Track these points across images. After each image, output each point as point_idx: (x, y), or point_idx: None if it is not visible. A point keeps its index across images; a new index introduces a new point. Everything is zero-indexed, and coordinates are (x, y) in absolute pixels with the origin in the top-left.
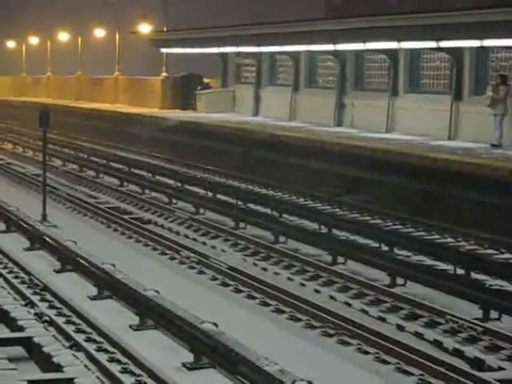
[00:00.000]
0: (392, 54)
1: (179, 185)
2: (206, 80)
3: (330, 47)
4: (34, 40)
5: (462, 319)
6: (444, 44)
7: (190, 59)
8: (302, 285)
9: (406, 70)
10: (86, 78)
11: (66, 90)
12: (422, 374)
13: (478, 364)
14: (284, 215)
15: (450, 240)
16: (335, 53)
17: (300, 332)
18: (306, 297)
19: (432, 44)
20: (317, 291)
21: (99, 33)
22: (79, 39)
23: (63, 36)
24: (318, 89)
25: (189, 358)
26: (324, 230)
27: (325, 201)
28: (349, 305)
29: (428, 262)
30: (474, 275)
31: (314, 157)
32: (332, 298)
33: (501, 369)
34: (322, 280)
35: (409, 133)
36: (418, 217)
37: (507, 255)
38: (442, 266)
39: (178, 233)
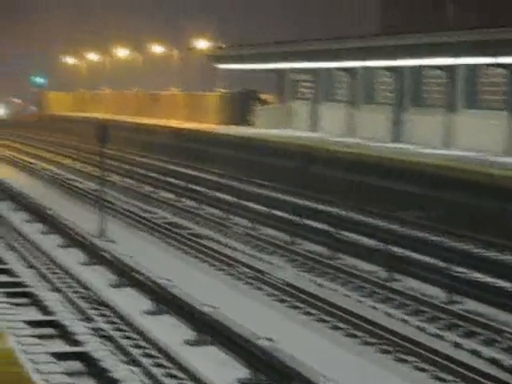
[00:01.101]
0: (449, 70)
1: (236, 200)
2: (262, 96)
3: (387, 63)
4: (93, 56)
5: None
6: (501, 60)
7: (247, 75)
8: (359, 301)
9: (463, 85)
10: (144, 94)
11: (124, 106)
12: None
13: None
14: (341, 231)
15: (509, 257)
16: (392, 69)
17: (356, 349)
18: (362, 313)
19: (489, 60)
20: (373, 308)
21: (157, 49)
22: (138, 55)
23: (122, 52)
24: (375, 104)
25: (245, 374)
26: (381, 245)
27: (381, 216)
28: (405, 322)
29: (486, 279)
30: None
31: (369, 172)
32: (388, 314)
33: None
34: (378, 296)
35: (466, 148)
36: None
37: None
38: (500, 283)
39: (234, 248)
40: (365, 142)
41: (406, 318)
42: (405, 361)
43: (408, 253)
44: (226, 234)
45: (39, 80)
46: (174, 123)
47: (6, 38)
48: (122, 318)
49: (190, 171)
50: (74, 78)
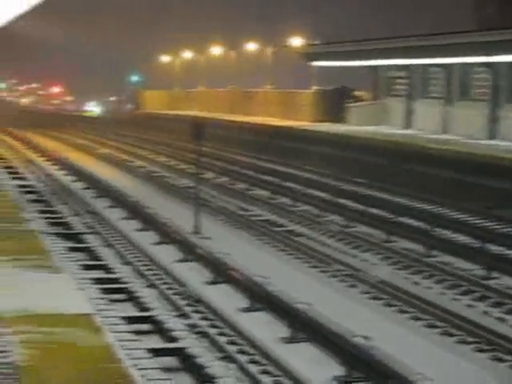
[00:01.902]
0: None
1: (330, 197)
2: (356, 93)
3: (483, 59)
4: (187, 54)
5: None
6: None
7: (340, 72)
8: (455, 299)
9: None
10: (238, 92)
11: (218, 104)
12: None
13: None
14: (436, 228)
15: None
16: (489, 65)
17: (453, 347)
18: (458, 311)
19: None
20: (470, 306)
21: (251, 46)
22: (231, 53)
23: (215, 50)
24: (471, 101)
25: (340, 371)
26: (477, 243)
27: (478, 214)
28: (502, 320)
29: None
30: None
31: (465, 170)
32: (485, 313)
33: None
34: (475, 295)
35: None
36: None
37: None
38: None
39: (329, 246)
40: (460, 139)
41: (504, 316)
42: (502, 359)
43: (506, 251)
44: (321, 231)
45: (135, 78)
46: (268, 121)
47: (103, 36)
48: (217, 314)
49: (284, 168)
50: (169, 77)
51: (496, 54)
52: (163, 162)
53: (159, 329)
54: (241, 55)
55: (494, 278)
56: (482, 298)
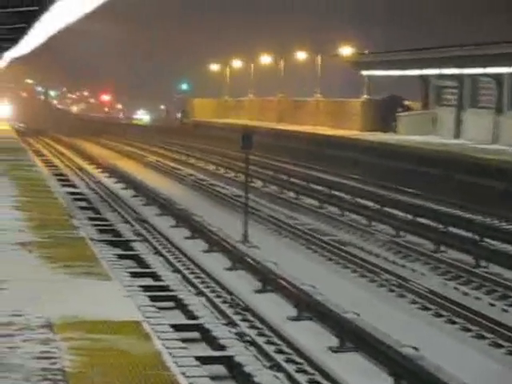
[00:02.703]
0: None
1: (379, 207)
2: (406, 102)
3: None
4: (237, 63)
5: None
6: None
7: (390, 81)
8: (504, 310)
9: None
10: (287, 101)
11: (267, 113)
12: None
13: None
14: (486, 239)
15: None
16: None
17: (502, 359)
18: (507, 323)
19: None
20: None
21: (301, 55)
22: (281, 62)
23: (265, 59)
24: None
25: (387, 381)
26: None
27: None
28: None
29: None
30: None
31: None
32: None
33: None
34: None
35: None
36: None
37: None
38: None
39: (377, 255)
40: (510, 149)
41: None
42: None
43: None
44: (369, 240)
45: (184, 86)
46: (317, 129)
47: (153, 44)
48: (265, 323)
49: (332, 177)
50: (218, 85)
51: None
52: (212, 171)
53: (207, 337)
54: (290, 64)
55: None
56: None
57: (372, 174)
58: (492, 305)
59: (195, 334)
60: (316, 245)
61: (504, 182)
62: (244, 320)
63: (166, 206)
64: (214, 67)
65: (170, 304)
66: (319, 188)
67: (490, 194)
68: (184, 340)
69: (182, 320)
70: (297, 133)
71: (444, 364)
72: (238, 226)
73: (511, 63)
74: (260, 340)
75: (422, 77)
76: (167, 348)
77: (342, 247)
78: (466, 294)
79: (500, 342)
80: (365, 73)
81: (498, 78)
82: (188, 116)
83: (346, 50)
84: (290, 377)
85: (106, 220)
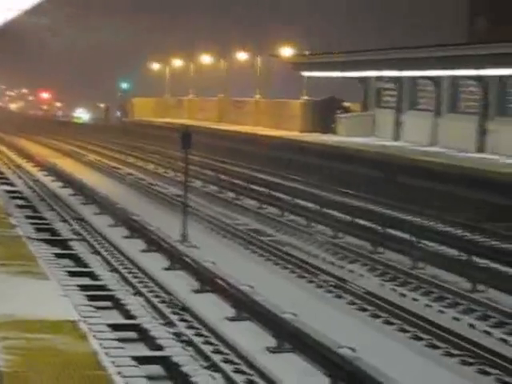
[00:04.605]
0: None
1: (318, 208)
2: (345, 104)
3: (472, 72)
4: (177, 62)
5: None
6: None
7: (330, 83)
8: (441, 312)
9: None
10: (228, 101)
11: (207, 112)
12: None
13: None
14: (423, 241)
15: None
16: (478, 78)
17: (438, 360)
18: (444, 324)
19: None
20: (456, 319)
21: (241, 56)
22: (222, 62)
23: (206, 59)
24: (460, 114)
25: (324, 382)
26: (463, 256)
27: (464, 227)
28: (488, 334)
29: None
30: None
31: (454, 182)
32: (471, 326)
33: None
34: (461, 307)
35: None
36: None
37: None
38: None
39: (316, 256)
40: (448, 151)
41: (490, 330)
42: (487, 373)
43: (493, 264)
44: (308, 241)
45: (125, 85)
46: (257, 130)
47: (93, 42)
48: (203, 323)
49: (272, 178)
50: (158, 84)
51: (486, 68)
52: (151, 170)
53: (144, 337)
54: (231, 64)
55: (480, 291)
56: (467, 311)
57: (312, 176)
58: (429, 306)
59: (132, 334)
60: (255, 245)
61: (440, 184)
62: (182, 320)
63: (105, 205)
64: (155, 66)
65: (108, 303)
66: (258, 188)
67: (427, 195)
68: (121, 340)
69: (119, 320)
70: (236, 133)
71: (381, 365)
72: (177, 225)
73: (450, 66)
74: (197, 340)
75: (361, 79)
76: (104, 348)
77: (281, 247)
78: (403, 295)
79: (436, 342)
80: (305, 74)
81: (436, 80)
82: (127, 115)
83: (287, 51)
84: (227, 377)
85: (43, 218)
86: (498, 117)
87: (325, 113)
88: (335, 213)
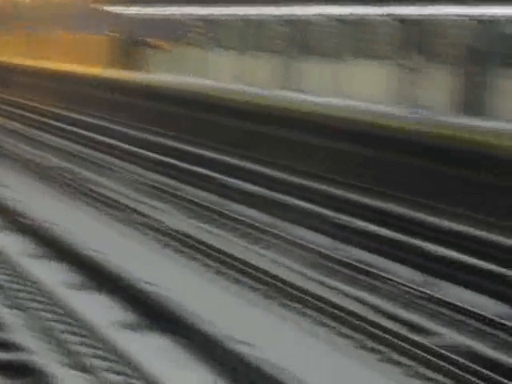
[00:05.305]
0: (338, 20)
1: (127, 147)
2: (153, 41)
3: (276, 11)
4: None
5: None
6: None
7: (139, 19)
8: (245, 247)
9: (351, 35)
10: (30, 35)
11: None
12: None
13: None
14: (226, 177)
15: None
16: (282, 16)
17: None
18: (245, 258)
19: (377, 10)
20: (258, 253)
21: None
22: None
23: None
24: (264, 52)
25: (130, 317)
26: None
27: (265, 163)
28: (289, 267)
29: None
30: None
31: (253, 119)
32: (275, 261)
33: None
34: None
35: (352, 97)
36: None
37: None
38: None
39: (121, 193)
40: (251, 89)
41: (293, 265)
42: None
43: (294, 200)
44: (112, 177)
45: None
46: (61, 66)
47: None
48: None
49: (79, 116)
50: None
51: (290, 6)
52: None
53: None
54: None
55: (279, 227)
56: (270, 246)
57: (108, 111)
58: (235, 242)
59: None
60: (62, 182)
61: (241, 121)
62: None
63: None
64: None
65: None
66: (67, 127)
67: (228, 133)
68: None
69: None
70: (41, 69)
71: (187, 298)
72: None
73: (255, 3)
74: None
75: (169, 16)
76: None
77: (87, 185)
78: (208, 231)
79: (241, 277)
80: (111, 9)
81: (241, 18)
82: None
83: None
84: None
85: None
86: (302, 56)
87: (132, 49)
88: (143, 151)
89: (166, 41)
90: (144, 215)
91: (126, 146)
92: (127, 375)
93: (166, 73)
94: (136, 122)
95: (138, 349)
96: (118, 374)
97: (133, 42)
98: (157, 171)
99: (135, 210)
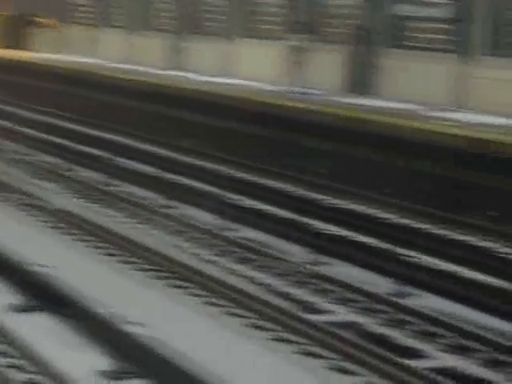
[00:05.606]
0: None
1: (11, 125)
2: (41, 19)
3: None
4: None
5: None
6: None
7: None
8: (137, 228)
9: (241, 14)
10: None
11: None
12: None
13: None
14: (119, 158)
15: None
16: None
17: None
18: (138, 239)
19: None
20: (151, 235)
21: None
22: None
23: None
24: (154, 31)
25: (19, 300)
26: (158, 173)
27: (160, 144)
28: (181, 248)
29: (262, 206)
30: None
31: (147, 99)
32: (166, 241)
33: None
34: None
35: (245, 77)
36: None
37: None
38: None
39: (6, 173)
40: (142, 68)
41: (184, 244)
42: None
43: (185, 180)
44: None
45: None
46: None
47: None
48: None
49: None
50: None
51: None
52: None
53: None
54: None
55: (173, 207)
56: (163, 227)
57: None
58: (125, 223)
59: None
60: None
61: (133, 101)
62: None
63: None
64: None
65: None
66: None
67: (121, 112)
68: None
69: None
70: None
71: (75, 279)
72: None
73: None
74: None
75: None
76: None
77: None
78: (97, 212)
79: (131, 258)
80: None
81: None
82: None
83: None
84: None
85: None
86: (192, 35)
87: (17, 28)
88: (29, 130)
89: (56, 19)
90: (30, 195)
91: (9, 125)
92: (15, 357)
93: (54, 52)
94: (22, 101)
95: (27, 331)
96: (5, 356)
97: (21, 21)
98: (43, 150)
99: (20, 191)
